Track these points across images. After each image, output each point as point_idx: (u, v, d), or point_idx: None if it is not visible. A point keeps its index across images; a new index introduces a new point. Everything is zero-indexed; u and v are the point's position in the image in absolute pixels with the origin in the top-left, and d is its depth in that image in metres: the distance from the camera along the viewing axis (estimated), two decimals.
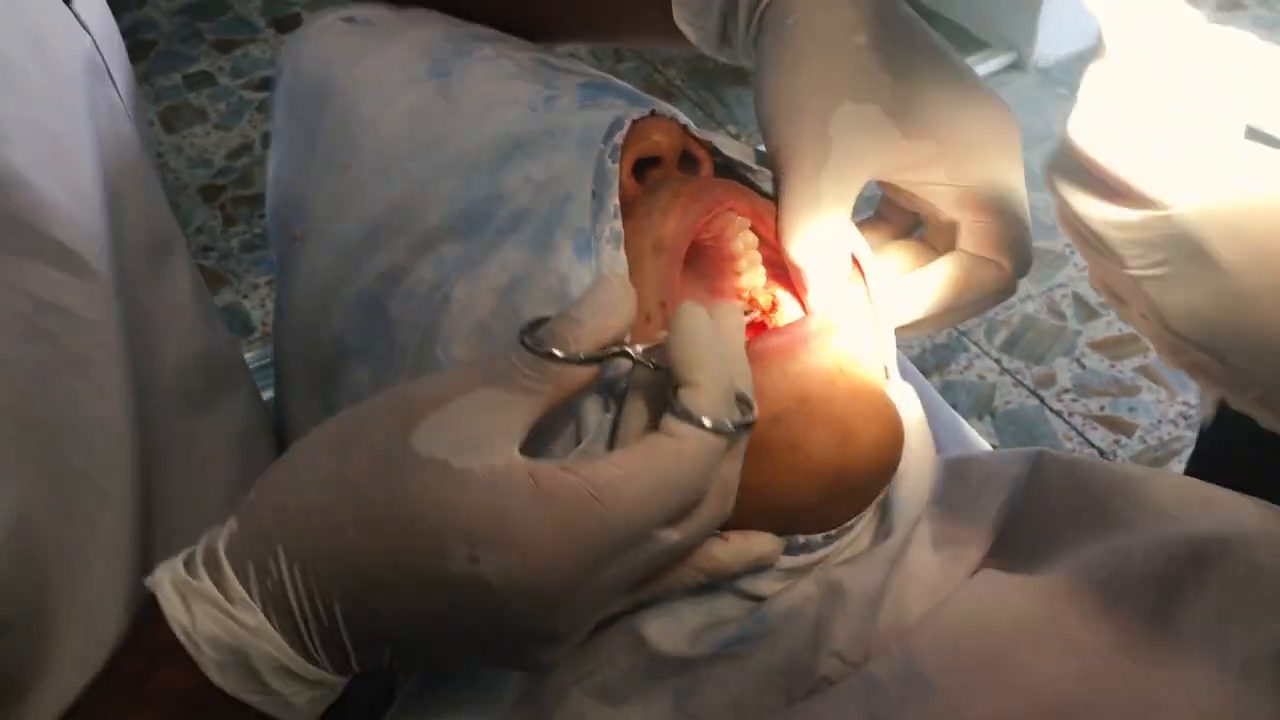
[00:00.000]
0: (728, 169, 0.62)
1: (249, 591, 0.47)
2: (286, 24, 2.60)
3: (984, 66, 2.25)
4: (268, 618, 0.46)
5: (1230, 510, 0.57)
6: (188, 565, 0.48)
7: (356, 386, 0.63)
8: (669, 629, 0.55)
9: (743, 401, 0.49)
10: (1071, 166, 0.48)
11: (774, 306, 0.57)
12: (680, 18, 0.64)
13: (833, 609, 0.55)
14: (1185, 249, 0.46)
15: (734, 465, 0.50)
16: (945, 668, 0.53)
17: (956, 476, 0.62)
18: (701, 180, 0.58)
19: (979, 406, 1.74)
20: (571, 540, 0.45)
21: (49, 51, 0.55)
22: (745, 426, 0.48)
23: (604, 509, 0.45)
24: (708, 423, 0.47)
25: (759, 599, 0.56)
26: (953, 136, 0.57)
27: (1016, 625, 0.54)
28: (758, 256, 0.57)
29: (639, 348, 0.50)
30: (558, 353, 0.47)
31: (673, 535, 0.48)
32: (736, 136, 2.17)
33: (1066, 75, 2.25)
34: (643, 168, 0.58)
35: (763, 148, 0.60)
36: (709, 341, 0.48)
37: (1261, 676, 0.51)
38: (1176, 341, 0.49)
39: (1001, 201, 0.58)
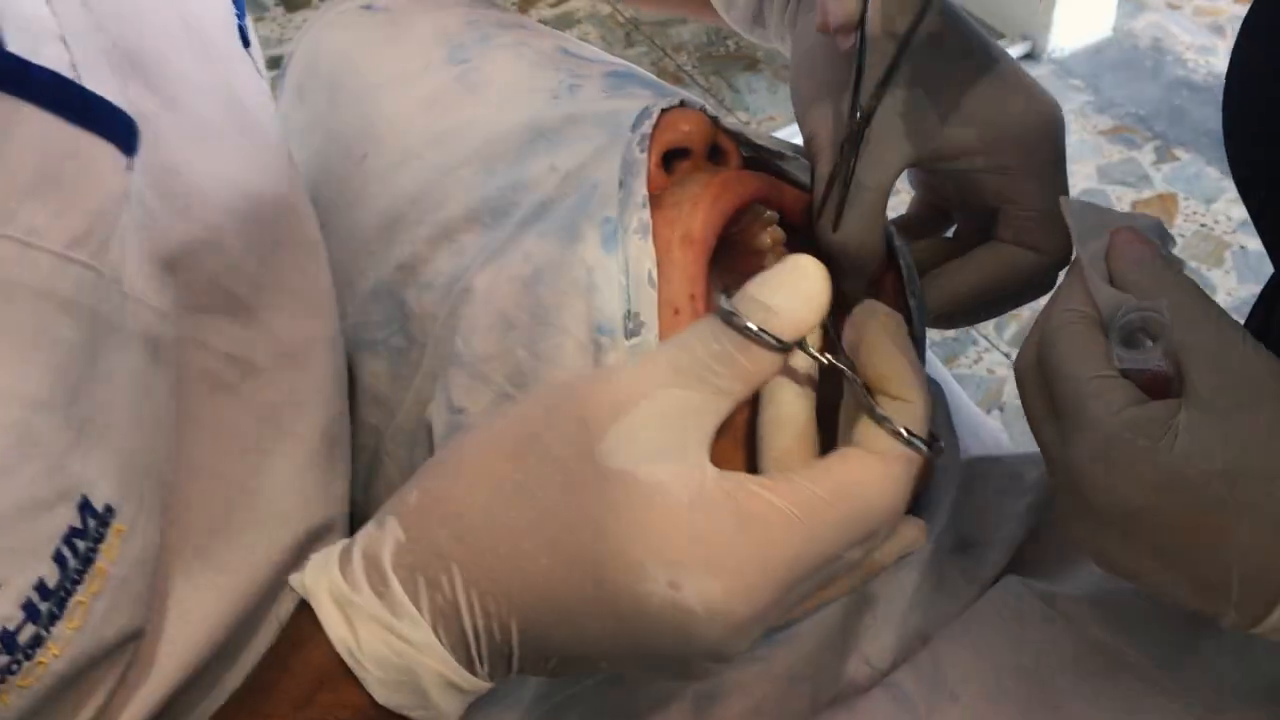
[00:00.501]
0: (755, 161, 0.61)
1: (418, 608, 0.43)
2: (296, 3, 2.58)
3: None
4: (436, 635, 0.43)
5: None
6: (344, 572, 0.44)
7: (370, 379, 0.62)
8: None
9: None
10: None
11: None
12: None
13: (860, 614, 0.54)
14: None
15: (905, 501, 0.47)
16: (969, 676, 0.52)
17: (979, 478, 0.61)
18: (731, 172, 0.57)
19: (988, 400, 1.73)
20: (775, 567, 0.42)
21: (245, 110, 0.54)
22: (941, 448, 0.45)
23: (808, 535, 0.42)
24: (916, 437, 0.43)
25: None
26: (994, 123, 0.56)
27: (1045, 636, 0.53)
28: (784, 252, 0.56)
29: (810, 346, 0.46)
30: (770, 336, 0.42)
31: (856, 553, 0.45)
32: (746, 123, 2.16)
33: (1081, 66, 2.23)
34: (670, 159, 0.57)
35: (778, 133, 0.59)
36: (912, 356, 0.45)
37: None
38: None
39: (1041, 190, 0.57)
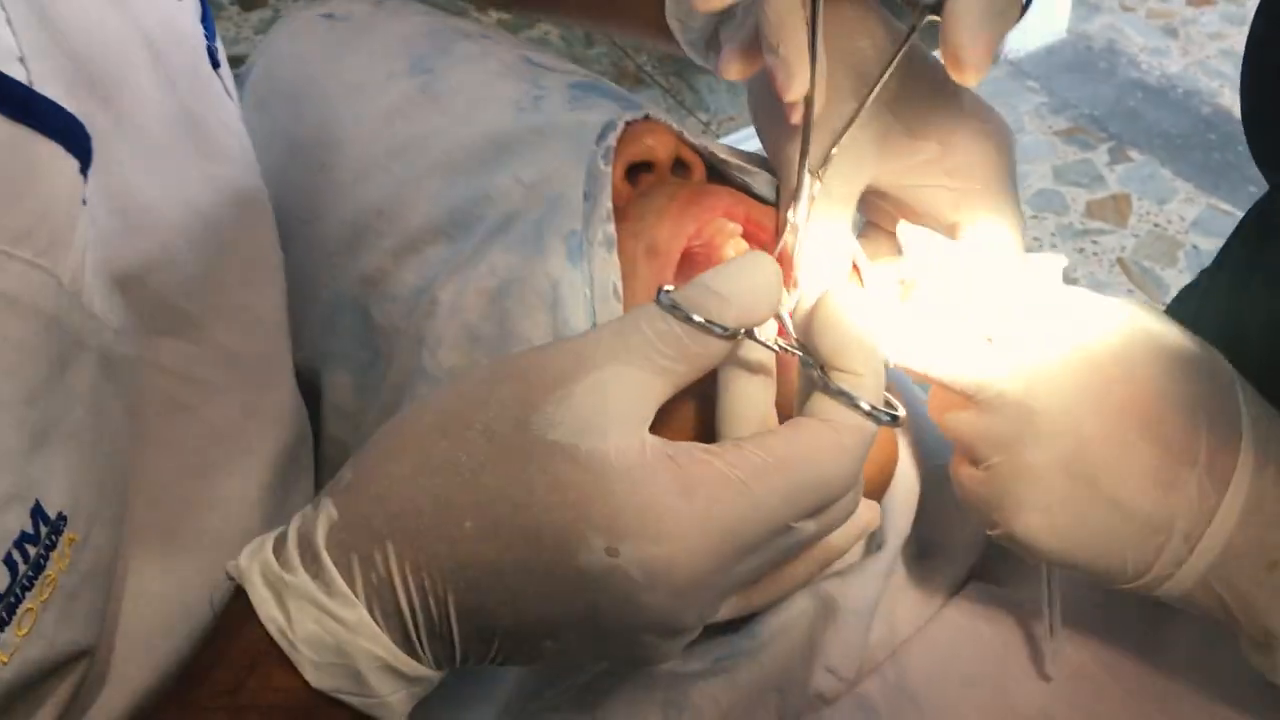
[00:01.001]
0: (719, 175, 0.61)
1: (352, 587, 0.42)
2: (252, 2, 2.56)
3: None
4: (372, 615, 0.42)
5: None
6: (278, 555, 0.44)
7: (333, 392, 0.62)
8: None
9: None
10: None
11: None
12: (672, 14, 0.63)
13: (826, 624, 0.54)
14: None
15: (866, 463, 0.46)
16: (933, 685, 0.53)
17: (942, 486, 0.62)
18: (695, 186, 0.57)
19: None
20: (719, 532, 0.41)
21: (206, 132, 0.54)
22: (897, 418, 0.45)
23: (754, 500, 0.42)
24: (866, 406, 0.43)
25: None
26: (952, 139, 0.56)
27: (1005, 646, 0.54)
28: None
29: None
30: (717, 325, 0.43)
31: (809, 526, 0.44)
32: (707, 124, 2.16)
33: (1036, 67, 2.25)
34: (634, 172, 0.57)
35: (737, 134, 0.59)
36: (862, 330, 0.45)
37: (1246, 703, 0.51)
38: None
39: (999, 204, 0.58)
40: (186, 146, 0.52)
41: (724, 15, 0.61)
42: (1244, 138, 0.63)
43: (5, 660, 0.41)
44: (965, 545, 0.59)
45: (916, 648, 0.54)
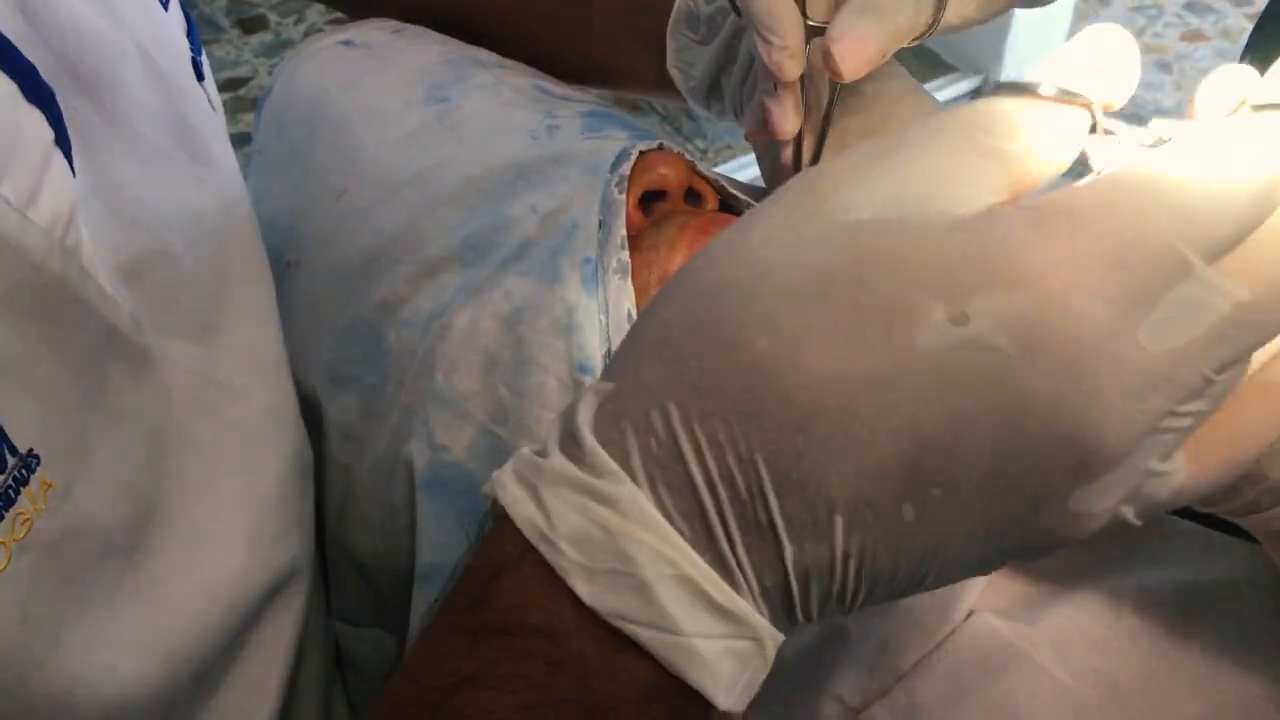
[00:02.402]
0: (730, 206, 0.62)
1: (628, 465, 0.32)
2: (251, 26, 2.57)
3: (952, 89, 2.27)
4: (655, 497, 0.31)
5: (1217, 556, 0.58)
6: (535, 451, 0.34)
7: (340, 415, 0.62)
8: None
9: None
10: None
11: None
12: (672, 63, 0.64)
13: (835, 652, 0.55)
14: None
15: None
16: (943, 708, 0.53)
17: None
18: (708, 215, 0.58)
19: None
20: (1100, 265, 0.29)
21: (197, 139, 0.55)
22: None
23: (1137, 218, 0.30)
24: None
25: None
26: None
27: (1012, 674, 0.55)
28: None
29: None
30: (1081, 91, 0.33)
31: (1240, 290, 0.30)
32: (704, 151, 2.17)
33: None
34: (648, 200, 0.58)
35: (734, 163, 0.61)
36: None
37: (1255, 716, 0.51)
38: None
39: None
40: (178, 150, 0.53)
41: (724, 62, 0.62)
42: None
43: None
44: (971, 582, 0.60)
45: (923, 676, 0.55)
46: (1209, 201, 0.30)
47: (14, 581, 0.41)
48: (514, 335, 0.54)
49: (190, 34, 0.57)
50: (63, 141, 0.43)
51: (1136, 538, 0.60)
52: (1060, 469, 0.30)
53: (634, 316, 0.53)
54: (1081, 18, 2.40)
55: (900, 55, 0.53)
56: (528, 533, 0.32)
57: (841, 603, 0.33)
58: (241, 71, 2.44)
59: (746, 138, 0.55)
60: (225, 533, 0.52)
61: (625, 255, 0.54)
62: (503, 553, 0.33)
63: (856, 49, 0.44)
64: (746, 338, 0.31)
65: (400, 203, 0.60)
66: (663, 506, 0.31)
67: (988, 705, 0.53)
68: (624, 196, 0.56)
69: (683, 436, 0.31)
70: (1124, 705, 0.54)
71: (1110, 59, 0.34)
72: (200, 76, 0.57)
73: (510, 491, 0.33)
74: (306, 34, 2.47)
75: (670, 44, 0.64)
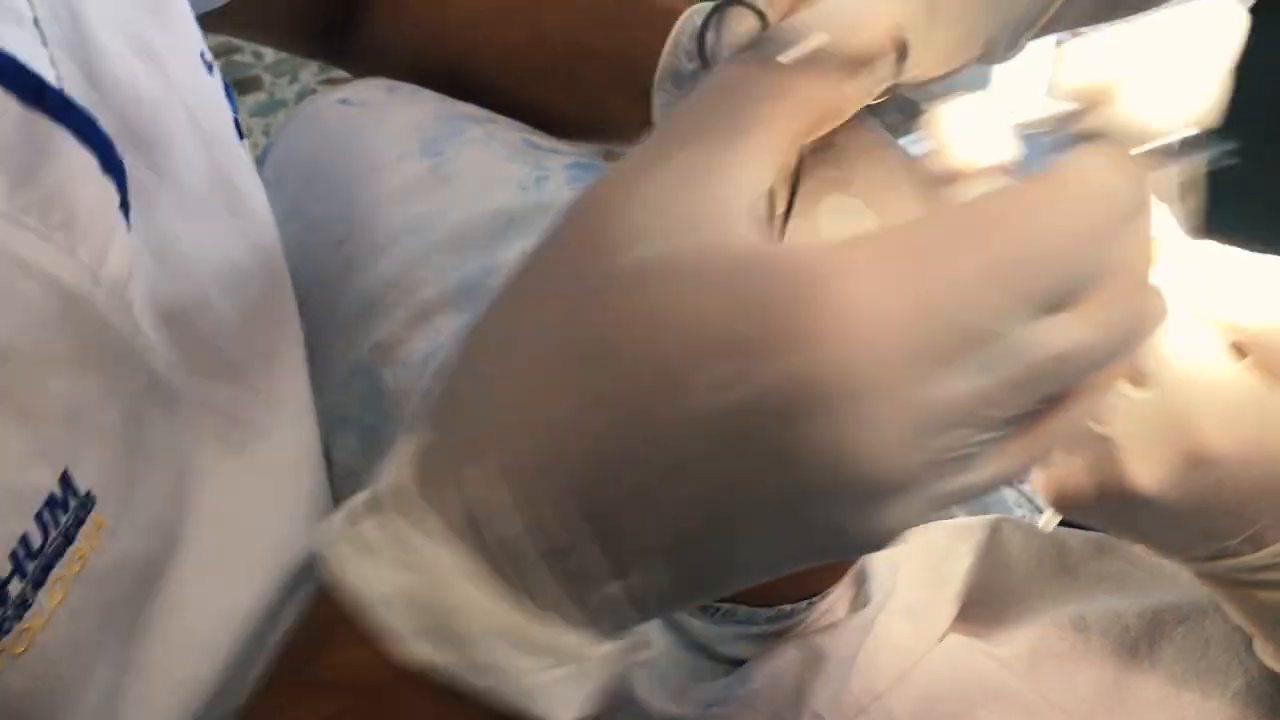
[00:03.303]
0: None
1: (445, 518, 0.32)
2: (246, 85, 2.61)
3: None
4: (472, 554, 0.32)
5: (1183, 580, 0.61)
6: (350, 515, 0.34)
7: (345, 456, 0.65)
8: (653, 688, 0.57)
9: None
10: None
11: None
12: (659, 119, 0.67)
13: (814, 672, 0.57)
14: None
15: (1142, 246, 0.33)
16: None
17: (924, 547, 0.65)
18: None
19: None
20: (893, 323, 0.29)
21: (236, 192, 0.57)
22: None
23: (933, 272, 0.29)
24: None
25: (739, 662, 0.58)
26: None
27: (984, 692, 0.57)
28: None
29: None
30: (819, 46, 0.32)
31: (1071, 329, 0.30)
32: None
33: None
34: None
35: None
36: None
37: None
38: None
39: None
40: (220, 203, 0.56)
41: None
42: None
43: (43, 624, 0.43)
44: (947, 601, 0.62)
45: (899, 693, 0.57)
46: (1031, 250, 0.30)
47: (71, 613, 0.44)
48: None
49: (228, 95, 0.61)
50: (124, 204, 0.46)
51: (1104, 563, 0.62)
52: (846, 504, 0.30)
53: None
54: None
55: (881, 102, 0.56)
56: (352, 593, 0.32)
57: (655, 614, 0.34)
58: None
59: None
60: (246, 567, 0.54)
61: None
62: (330, 613, 0.33)
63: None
64: (540, 403, 0.32)
65: (397, 250, 0.63)
66: (479, 559, 0.32)
67: (961, 716, 0.56)
68: None
69: (494, 492, 0.32)
70: (1090, 710, 0.56)
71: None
72: (241, 135, 0.60)
73: (337, 551, 0.33)
74: (300, 95, 2.51)
75: (656, 100, 0.67)
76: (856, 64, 0.34)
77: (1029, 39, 0.51)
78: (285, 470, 0.58)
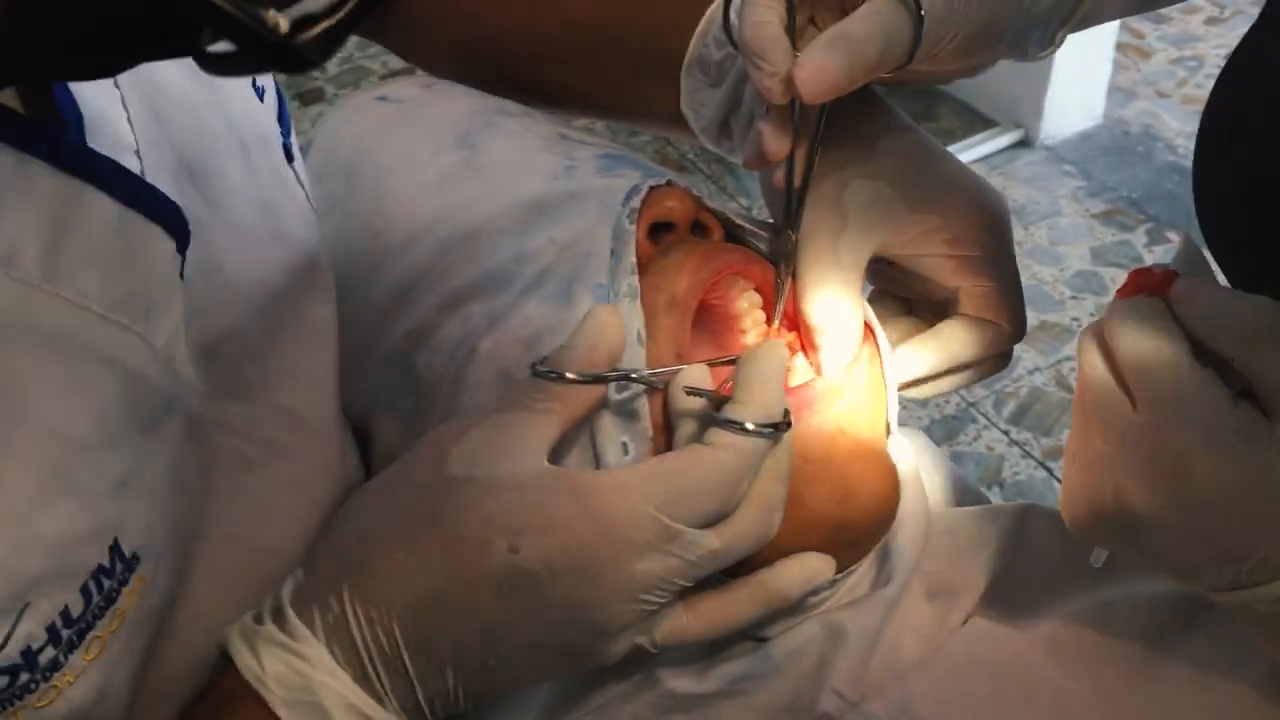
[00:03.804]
0: (735, 238, 0.65)
1: (313, 631, 0.50)
2: (310, 98, 2.66)
3: (992, 143, 2.30)
4: (331, 652, 0.49)
5: None
6: (255, 618, 0.51)
7: (386, 438, 0.66)
8: (675, 665, 0.58)
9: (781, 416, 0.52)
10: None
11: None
12: (686, 104, 0.68)
13: (835, 649, 0.57)
14: None
15: (775, 483, 0.53)
16: (939, 712, 0.56)
17: (949, 531, 0.65)
18: (712, 244, 0.62)
19: (987, 478, 1.76)
20: (604, 527, 0.48)
21: (279, 219, 0.60)
22: (777, 428, 0.51)
23: (634, 503, 0.48)
24: (750, 426, 0.50)
25: (763, 639, 0.59)
26: (952, 209, 0.60)
27: (1007, 674, 0.57)
28: (761, 316, 0.61)
29: (646, 371, 0.55)
30: (567, 374, 0.52)
31: (711, 540, 0.50)
32: (749, 209, 2.21)
33: (1072, 152, 2.29)
34: (657, 232, 0.62)
35: (770, 219, 0.64)
36: (773, 369, 0.52)
37: None
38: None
39: (998, 266, 0.62)
40: (265, 232, 0.58)
41: (733, 104, 0.66)
42: None
43: (72, 681, 0.45)
44: (970, 588, 0.62)
45: (920, 674, 0.57)
46: (693, 488, 0.49)
47: (103, 666, 0.47)
48: (533, 355, 0.58)
49: (282, 118, 0.63)
50: (183, 257, 0.48)
51: None
52: (584, 637, 0.50)
53: (643, 336, 0.57)
54: (1120, 70, 2.42)
55: (942, 109, 0.58)
56: (247, 675, 0.49)
57: (460, 708, 0.52)
58: (300, 141, 2.52)
59: (744, 166, 0.59)
60: (257, 583, 0.56)
61: (635, 280, 0.58)
62: (228, 689, 0.50)
63: (819, 75, 0.50)
64: (385, 554, 0.50)
65: (430, 240, 0.65)
66: (337, 658, 0.49)
67: (983, 704, 0.56)
68: (634, 227, 0.60)
69: (348, 613, 0.49)
70: (1118, 706, 0.56)
71: (605, 338, 0.53)
72: (290, 158, 0.62)
73: (236, 644, 0.50)
74: None
75: (684, 86, 0.68)
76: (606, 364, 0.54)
77: (1067, 33, 0.53)
78: (301, 487, 0.60)
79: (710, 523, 0.50)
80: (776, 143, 0.57)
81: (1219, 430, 0.45)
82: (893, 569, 0.61)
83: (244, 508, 0.57)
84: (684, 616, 0.53)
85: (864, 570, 0.62)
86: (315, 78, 2.73)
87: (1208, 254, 0.54)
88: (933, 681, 0.57)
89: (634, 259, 0.59)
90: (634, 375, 0.54)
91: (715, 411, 0.51)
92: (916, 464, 0.65)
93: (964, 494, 0.71)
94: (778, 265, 0.61)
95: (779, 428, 0.51)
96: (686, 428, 0.53)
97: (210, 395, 0.53)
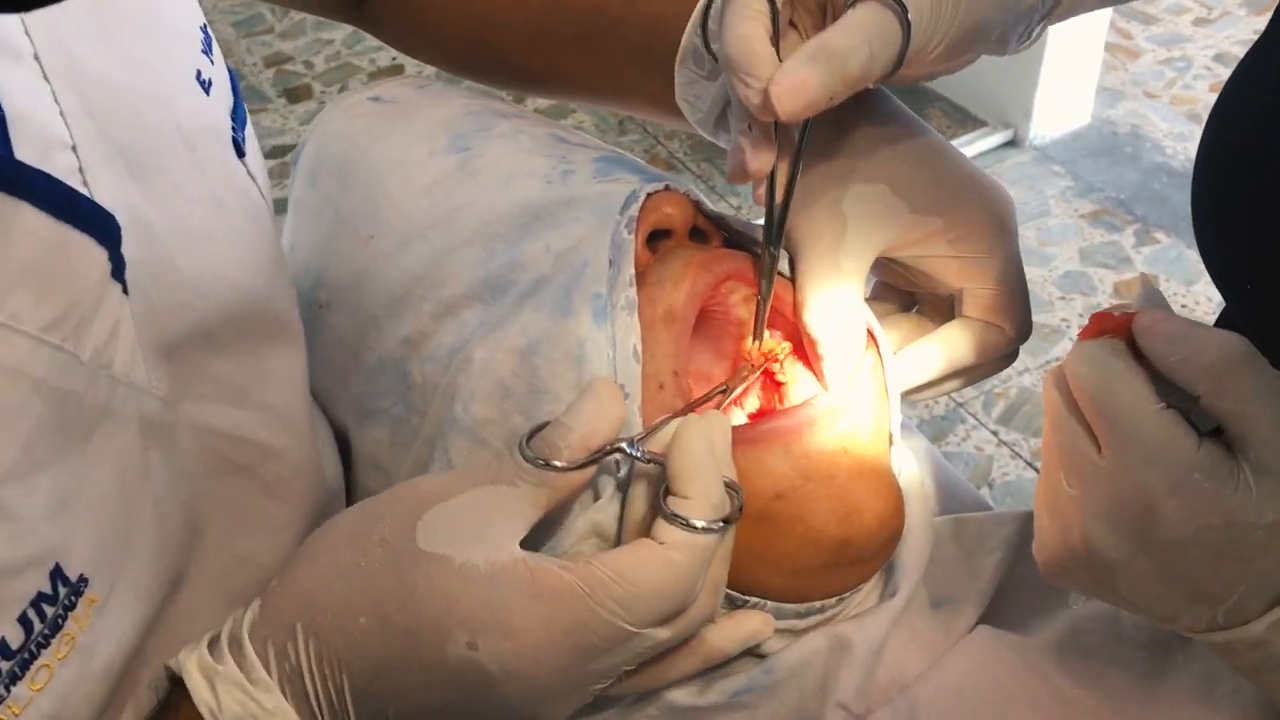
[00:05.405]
0: (734, 243, 0.65)
1: (269, 672, 0.49)
2: (297, 95, 2.65)
3: (981, 144, 2.30)
4: (285, 698, 0.49)
5: None
6: (212, 648, 0.50)
7: (373, 446, 0.65)
8: None
9: (731, 489, 0.52)
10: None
11: (776, 375, 0.60)
12: (681, 96, 0.67)
13: (840, 662, 0.57)
14: None
15: (722, 565, 0.53)
16: (942, 718, 0.55)
17: (953, 538, 0.65)
18: (711, 251, 0.61)
19: (976, 478, 1.76)
20: (563, 634, 0.48)
21: (230, 216, 0.58)
22: (730, 520, 0.51)
23: (590, 606, 0.48)
24: (699, 525, 0.50)
25: (762, 656, 0.58)
26: (956, 211, 0.60)
27: (1013, 683, 0.56)
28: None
29: (635, 442, 0.53)
30: (555, 462, 0.51)
31: (663, 633, 0.51)
32: (738, 209, 2.21)
33: (1061, 153, 2.30)
34: (655, 238, 0.61)
35: (762, 221, 0.63)
36: (701, 456, 0.51)
37: None
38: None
39: (1002, 269, 0.61)
40: (218, 230, 0.56)
41: (729, 97, 0.65)
42: None
43: (18, 712, 0.43)
44: (975, 595, 0.62)
45: (926, 685, 0.57)
46: (651, 593, 0.49)
47: (54, 695, 0.45)
48: (529, 366, 0.57)
49: (235, 112, 0.61)
50: (119, 266, 0.47)
51: None
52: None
53: (638, 351, 0.56)
54: (1108, 70, 2.43)
55: (931, 109, 0.57)
56: (203, 710, 0.49)
57: None
58: (287, 139, 2.51)
59: (728, 180, 0.58)
60: (254, 586, 0.55)
61: (633, 292, 0.57)
62: (177, 716, 0.50)
63: (796, 93, 0.49)
64: (352, 612, 0.49)
65: (424, 245, 0.63)
66: (287, 698, 0.49)
67: (988, 713, 0.55)
68: (632, 237, 0.59)
69: (304, 662, 0.49)
70: (1123, 714, 0.55)
71: (604, 420, 0.52)
72: (241, 154, 0.61)
73: (193, 678, 0.49)
74: None
75: (678, 78, 0.67)
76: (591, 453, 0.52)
77: (1047, 26, 0.52)
78: (287, 489, 0.59)
79: (666, 620, 0.51)
80: (759, 159, 0.56)
81: (1184, 472, 0.44)
82: (899, 581, 0.60)
83: (231, 514, 0.56)
84: (624, 679, 0.54)
85: (870, 585, 0.61)
86: (302, 74, 2.71)
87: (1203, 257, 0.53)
88: (937, 691, 0.56)
89: (632, 271, 0.58)
90: (625, 449, 0.53)
91: (664, 497, 0.51)
92: (920, 472, 0.65)
93: (964, 499, 0.71)
94: (758, 283, 0.60)
95: (729, 519, 0.51)
96: (635, 511, 0.54)
97: (178, 397, 0.51)
